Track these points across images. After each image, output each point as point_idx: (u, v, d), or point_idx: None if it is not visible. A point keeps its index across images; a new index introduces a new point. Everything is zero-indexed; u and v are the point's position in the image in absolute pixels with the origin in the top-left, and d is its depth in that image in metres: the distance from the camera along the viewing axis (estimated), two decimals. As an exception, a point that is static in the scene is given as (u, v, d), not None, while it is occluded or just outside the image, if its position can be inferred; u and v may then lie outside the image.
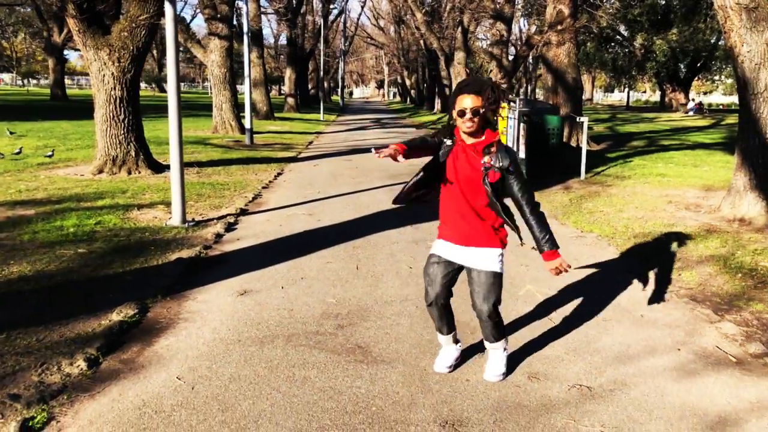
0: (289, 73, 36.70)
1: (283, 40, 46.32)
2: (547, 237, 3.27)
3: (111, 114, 10.44)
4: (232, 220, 7.48)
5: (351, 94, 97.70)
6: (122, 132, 10.55)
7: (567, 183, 10.54)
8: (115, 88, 10.38)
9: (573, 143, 15.55)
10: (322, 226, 7.25)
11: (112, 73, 10.33)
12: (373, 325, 4.28)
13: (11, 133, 15.96)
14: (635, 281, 5.35)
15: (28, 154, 12.65)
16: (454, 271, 3.44)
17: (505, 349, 3.60)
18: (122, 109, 10.48)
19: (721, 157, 14.02)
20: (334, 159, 14.30)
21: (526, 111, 11.36)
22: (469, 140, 3.31)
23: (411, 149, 3.29)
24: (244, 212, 8.02)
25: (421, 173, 3.41)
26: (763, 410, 3.23)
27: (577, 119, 11.59)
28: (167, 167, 11.59)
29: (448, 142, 3.42)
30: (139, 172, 10.69)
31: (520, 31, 51.37)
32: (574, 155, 12.64)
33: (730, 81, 68.89)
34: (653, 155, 14.28)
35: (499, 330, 3.52)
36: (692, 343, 4.08)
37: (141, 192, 8.95)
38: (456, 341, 3.74)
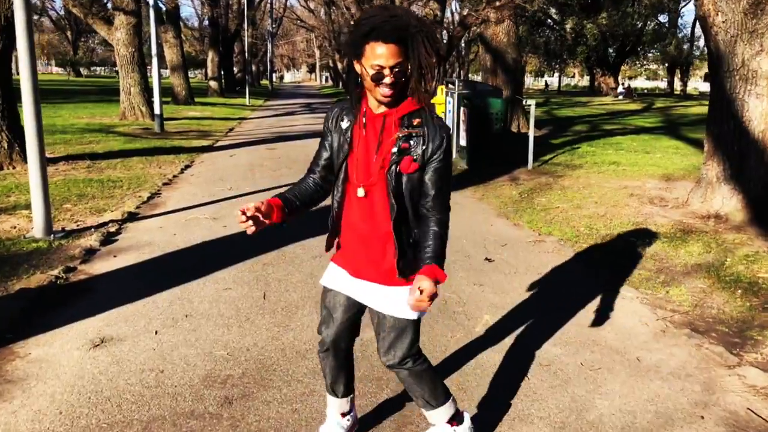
0: (211, 56, 34.43)
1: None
2: (439, 255, 2.10)
3: (-26, 97, 8.62)
4: (114, 228, 5.98)
5: (282, 78, 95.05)
6: (-10, 119, 8.74)
7: (513, 173, 9.49)
8: (-22, 66, 8.56)
9: (514, 129, 14.61)
10: (227, 235, 5.86)
11: (-25, 48, 8.50)
12: (276, 396, 2.98)
13: None
14: (616, 303, 4.26)
15: None
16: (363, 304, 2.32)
17: (455, 420, 2.42)
18: (-11, 91, 8.67)
19: (669, 143, 13.35)
20: (256, 148, 12.79)
21: (466, 93, 10.23)
22: (380, 108, 2.12)
23: (295, 200, 2.24)
24: (132, 217, 6.52)
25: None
26: None
27: (524, 102, 10.58)
28: (52, 161, 9.87)
29: (344, 123, 2.21)
30: (13, 167, 8.91)
31: (452, 13, 50.55)
32: (517, 142, 11.64)
33: (653, 66, 70.64)
34: (599, 141, 13.46)
35: (433, 388, 2.36)
36: (716, 404, 2.99)
37: (5, 193, 7.27)
38: (351, 410, 2.57)
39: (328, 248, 2.34)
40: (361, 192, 2.15)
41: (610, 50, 46.41)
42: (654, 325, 3.90)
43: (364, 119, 2.15)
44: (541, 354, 3.47)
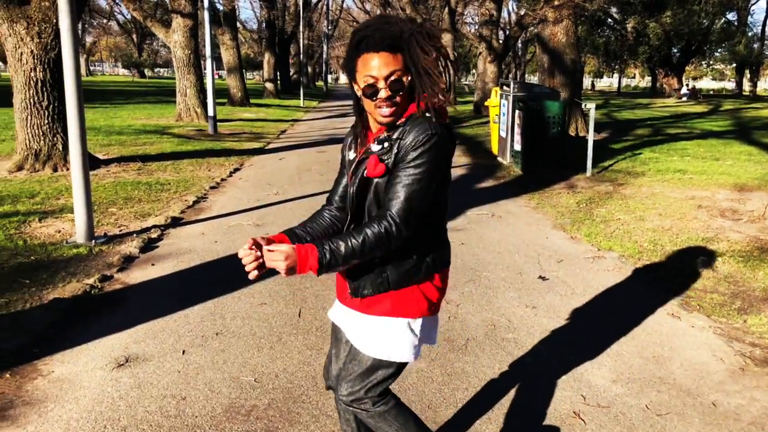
0: (267, 57, 34.77)
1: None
2: (336, 249, 1.70)
3: (31, 100, 8.74)
4: (156, 234, 5.88)
5: (337, 80, 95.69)
6: (46, 121, 8.86)
7: (571, 180, 9.00)
8: (35, 69, 8.68)
9: (572, 132, 14.03)
10: (269, 244, 5.66)
11: (32, 51, 8.63)
12: (302, 433, 2.72)
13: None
14: (685, 333, 3.83)
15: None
16: None
17: None
18: (45, 94, 8.78)
19: (740, 148, 12.51)
20: (306, 150, 12.66)
21: (522, 96, 9.79)
22: (378, 127, 1.84)
23: (305, 236, 1.95)
24: (176, 222, 6.42)
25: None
26: None
27: (583, 105, 10.06)
28: (105, 162, 9.97)
29: (351, 154, 1.94)
30: (67, 169, 9.00)
31: (509, 14, 49.64)
32: (575, 147, 11.12)
33: (720, 66, 67.66)
34: (663, 146, 12.75)
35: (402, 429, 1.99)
36: (809, 464, 2.57)
37: (55, 195, 7.31)
38: None
39: None
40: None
41: (674, 50, 44.64)
42: (731, 361, 3.46)
43: (359, 145, 1.90)
44: (599, 393, 3.09)
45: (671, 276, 4.88)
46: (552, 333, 3.80)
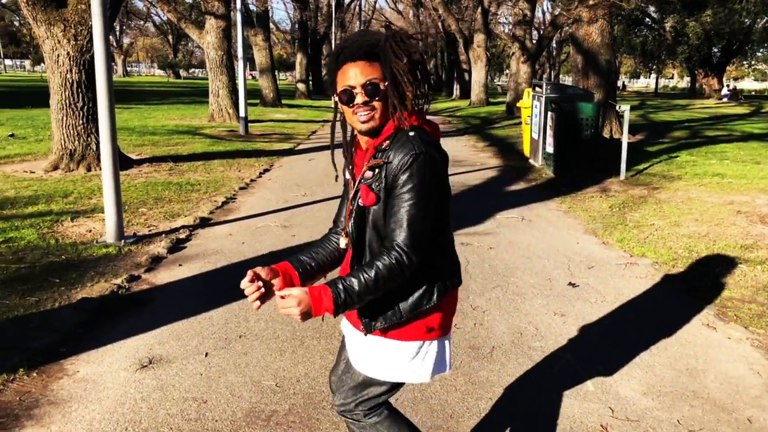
0: (300, 58, 35.00)
1: (296, 24, 44.54)
2: (349, 287, 1.64)
3: (67, 101, 8.91)
4: (184, 234, 5.92)
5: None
6: (81, 122, 9.02)
7: (604, 184, 8.81)
8: (71, 71, 8.85)
9: (606, 134, 13.76)
10: (296, 245, 5.65)
11: (68, 53, 8.79)
12: (321, 440, 2.69)
13: (-16, 121, 14.59)
14: (721, 345, 3.69)
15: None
16: None
17: None
18: (80, 95, 8.94)
19: (781, 152, 12.12)
20: (335, 151, 12.67)
21: (555, 97, 9.63)
22: (367, 141, 1.81)
23: (310, 261, 1.91)
24: (205, 223, 6.46)
25: None
26: None
27: (617, 108, 9.84)
28: (137, 162, 10.12)
29: (347, 173, 1.92)
30: (100, 169, 9.13)
31: (543, 14, 49.09)
32: (609, 149, 10.90)
33: (762, 66, 65.84)
34: (701, 149, 12.41)
35: None
36: None
37: (88, 195, 7.43)
38: None
39: None
40: (342, 243, 1.89)
41: (715, 49, 43.58)
42: (768, 376, 3.32)
43: (351, 164, 1.88)
44: (629, 406, 2.99)
45: (707, 284, 4.72)
46: (581, 342, 3.70)
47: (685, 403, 3.02)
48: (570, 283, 4.72)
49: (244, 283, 1.71)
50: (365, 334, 1.82)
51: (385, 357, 1.82)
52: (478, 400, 3.01)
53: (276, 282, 1.78)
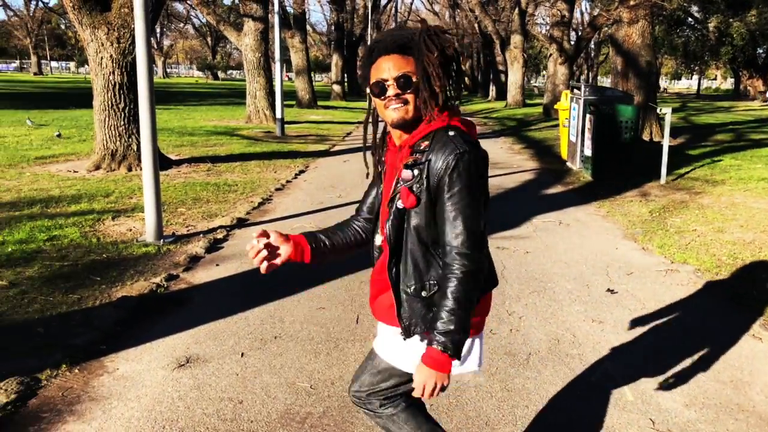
0: (335, 60, 35.18)
1: (333, 26, 44.81)
2: (449, 331, 1.63)
3: (109, 102, 9.12)
4: (222, 234, 6.00)
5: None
6: (122, 123, 9.22)
7: (644, 188, 8.63)
8: (113, 73, 9.05)
9: (646, 137, 13.49)
10: (330, 247, 5.67)
11: (111, 56, 9.00)
12: (355, 444, 2.68)
13: (31, 122, 15.02)
14: (766, 355, 3.57)
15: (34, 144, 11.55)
16: None
17: None
18: (122, 96, 9.14)
19: (830, 156, 11.70)
20: (369, 153, 12.69)
21: (593, 100, 9.48)
22: (401, 138, 1.78)
23: (325, 239, 1.97)
24: (241, 223, 6.53)
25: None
26: None
27: (658, 110, 9.63)
28: (176, 163, 10.29)
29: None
30: (140, 169, 9.32)
31: (582, 14, 48.40)
32: (649, 153, 10.68)
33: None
34: (746, 152, 12.06)
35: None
36: None
37: (128, 194, 7.58)
38: None
39: None
40: (378, 240, 1.88)
41: (760, 50, 42.35)
42: (818, 390, 3.19)
43: (386, 156, 1.88)
44: (670, 417, 2.91)
45: (753, 293, 4.58)
46: (620, 350, 3.62)
47: (730, 416, 2.93)
48: (608, 290, 4.63)
49: (249, 245, 1.81)
50: (405, 338, 1.80)
51: (416, 351, 1.78)
52: (514, 408, 2.97)
53: (284, 249, 1.84)
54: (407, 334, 1.78)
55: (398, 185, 1.74)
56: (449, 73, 1.73)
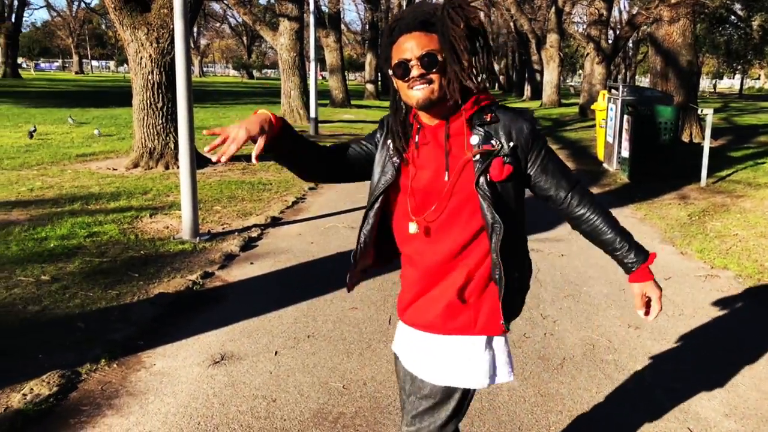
0: (369, 59, 35.24)
1: (367, 25, 44.94)
2: (631, 242, 1.75)
3: (148, 101, 9.30)
4: (256, 233, 6.07)
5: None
6: (160, 121, 9.39)
7: (682, 190, 8.45)
8: (152, 72, 9.22)
9: (685, 138, 13.20)
10: (363, 247, 5.68)
11: (150, 56, 9.17)
12: (387, 446, 2.69)
13: (72, 120, 15.40)
14: (812, 366, 3.46)
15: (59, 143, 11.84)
16: None
17: None
18: (160, 95, 9.31)
19: None
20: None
21: (631, 100, 9.31)
22: (434, 120, 1.69)
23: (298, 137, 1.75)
24: (275, 222, 6.60)
25: (375, 206, 1.79)
26: None
27: (699, 111, 9.42)
28: (212, 162, 10.43)
29: (391, 144, 1.74)
30: (178, 167, 9.47)
31: (620, 13, 47.58)
32: (689, 154, 10.45)
33: None
34: (790, 155, 11.73)
35: None
36: None
37: (166, 192, 7.72)
38: None
39: (349, 288, 1.98)
40: (413, 228, 1.71)
41: (807, 49, 41.06)
42: None
43: (417, 137, 1.72)
44: (709, 427, 2.84)
45: (796, 301, 4.44)
46: (657, 357, 3.55)
47: (773, 428, 2.85)
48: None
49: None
50: (503, 333, 1.73)
51: (482, 358, 1.72)
52: (547, 413, 2.94)
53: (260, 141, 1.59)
54: (508, 323, 1.72)
55: (483, 160, 1.65)
56: (476, 47, 1.65)
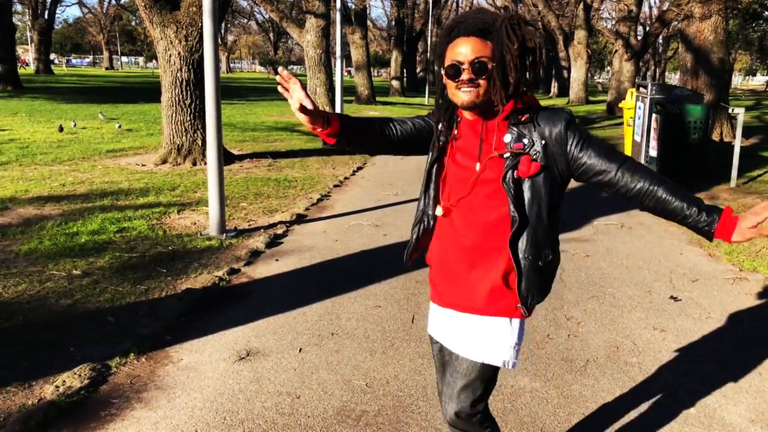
0: (395, 55, 35.23)
1: (393, 21, 44.91)
2: (701, 205, 1.71)
3: (176, 98, 9.44)
4: (281, 230, 6.13)
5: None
6: (188, 118, 9.52)
7: (712, 191, 8.33)
8: (181, 70, 9.35)
9: (716, 137, 12.97)
10: (386, 245, 5.72)
11: (179, 53, 9.30)
12: (409, 445, 2.71)
13: (103, 116, 15.68)
14: (843, 373, 3.40)
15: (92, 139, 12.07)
16: None
17: None
18: (189, 92, 9.44)
19: None
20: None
21: (660, 99, 9.18)
22: (473, 115, 1.81)
23: (356, 121, 1.90)
24: (300, 219, 6.66)
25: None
26: None
27: (730, 110, 9.25)
28: (239, 158, 10.56)
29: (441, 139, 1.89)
30: (205, 163, 9.59)
31: (650, 9, 46.84)
32: (719, 154, 10.28)
33: None
34: (824, 155, 11.46)
35: None
36: None
37: (193, 188, 7.83)
38: None
39: (409, 263, 2.10)
40: (439, 211, 1.88)
41: (844, 46, 39.97)
42: None
43: (456, 130, 1.85)
44: (735, 433, 2.82)
45: (828, 305, 4.36)
46: (682, 360, 3.52)
47: (800, 435, 2.81)
48: (671, 297, 4.50)
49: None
50: (523, 317, 1.84)
51: (508, 333, 1.84)
52: (570, 415, 2.94)
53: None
54: (527, 307, 1.81)
55: (514, 157, 1.74)
56: (525, 64, 1.74)
